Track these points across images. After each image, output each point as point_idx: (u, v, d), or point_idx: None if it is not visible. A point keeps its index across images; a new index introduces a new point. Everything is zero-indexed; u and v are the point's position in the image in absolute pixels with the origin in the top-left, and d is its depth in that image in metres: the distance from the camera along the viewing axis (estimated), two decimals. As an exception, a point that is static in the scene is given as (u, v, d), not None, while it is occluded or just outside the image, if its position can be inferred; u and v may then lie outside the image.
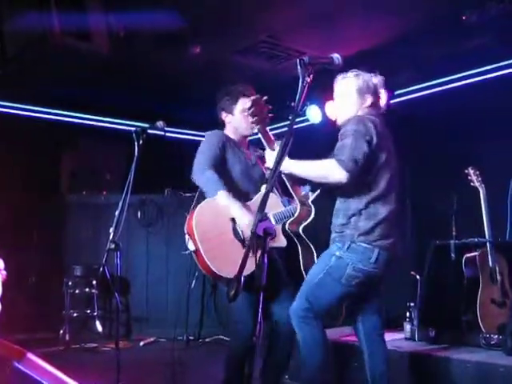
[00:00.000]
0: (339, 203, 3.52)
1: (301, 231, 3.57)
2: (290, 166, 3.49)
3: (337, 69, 3.01)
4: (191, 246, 3.67)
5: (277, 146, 3.62)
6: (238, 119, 4.01)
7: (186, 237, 3.71)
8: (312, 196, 3.67)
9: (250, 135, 4.10)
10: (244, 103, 3.95)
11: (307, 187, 3.71)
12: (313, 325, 3.43)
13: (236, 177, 3.91)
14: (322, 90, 3.96)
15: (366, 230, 3.37)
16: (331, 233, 3.55)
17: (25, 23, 4.88)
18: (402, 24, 5.76)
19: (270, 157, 3.58)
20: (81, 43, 5.07)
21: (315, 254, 3.62)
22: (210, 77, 7.02)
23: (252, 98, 3.61)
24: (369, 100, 3.60)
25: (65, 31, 4.87)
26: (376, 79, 3.68)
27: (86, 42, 5.06)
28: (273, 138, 3.69)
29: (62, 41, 4.94)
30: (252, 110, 3.56)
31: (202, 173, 3.76)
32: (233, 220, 3.70)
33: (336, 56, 2.90)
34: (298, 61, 2.72)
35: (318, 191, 3.64)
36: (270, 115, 3.71)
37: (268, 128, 3.71)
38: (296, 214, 3.66)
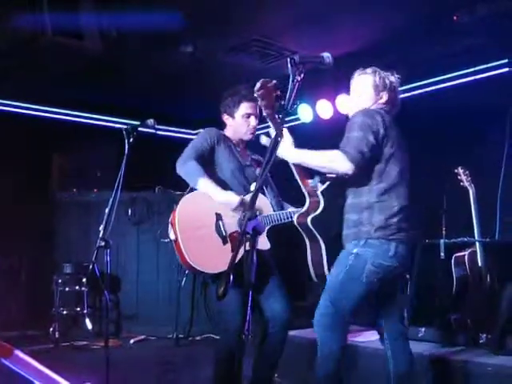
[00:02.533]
0: (350, 198, 3.46)
1: (309, 223, 3.48)
2: (295, 155, 3.44)
3: (327, 68, 3.02)
4: (171, 235, 3.69)
5: (288, 137, 3.51)
6: (238, 123, 3.99)
7: (169, 225, 3.72)
8: (321, 187, 3.56)
9: (249, 140, 4.09)
10: (246, 108, 3.95)
11: (316, 179, 3.65)
12: (335, 335, 3.36)
13: (226, 175, 3.90)
14: (313, 89, 3.95)
15: (381, 225, 3.31)
16: (344, 229, 3.48)
17: (17, 22, 4.87)
18: (393, 24, 5.77)
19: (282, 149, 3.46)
20: (72, 42, 5.07)
21: (323, 248, 3.46)
22: (201, 75, 7.03)
23: (261, 80, 3.48)
24: (384, 97, 3.56)
25: (57, 31, 4.87)
26: (393, 78, 3.65)
27: (77, 40, 5.05)
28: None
29: (53, 40, 4.94)
30: (260, 92, 3.47)
31: (184, 163, 3.78)
32: (217, 215, 3.71)
33: (327, 55, 2.91)
34: (288, 60, 2.73)
35: (328, 182, 3.54)
36: (280, 102, 3.49)
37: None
38: (294, 218, 3.60)
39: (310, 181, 3.61)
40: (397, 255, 3.32)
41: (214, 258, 3.59)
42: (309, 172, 3.57)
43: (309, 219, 3.42)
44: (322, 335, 3.40)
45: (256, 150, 4.10)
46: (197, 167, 3.74)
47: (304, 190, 3.57)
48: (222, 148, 3.94)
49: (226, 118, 4.04)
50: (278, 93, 3.49)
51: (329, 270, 3.47)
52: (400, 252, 3.33)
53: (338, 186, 3.52)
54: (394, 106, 3.64)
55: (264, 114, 3.52)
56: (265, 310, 3.85)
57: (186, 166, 3.77)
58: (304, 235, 3.50)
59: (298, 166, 3.52)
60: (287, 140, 3.46)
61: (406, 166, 3.48)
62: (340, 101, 7.31)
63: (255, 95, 3.47)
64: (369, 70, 3.61)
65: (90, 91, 7.57)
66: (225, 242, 3.67)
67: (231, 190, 3.82)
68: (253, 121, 3.98)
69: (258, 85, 3.45)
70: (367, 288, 3.36)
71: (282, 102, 2.72)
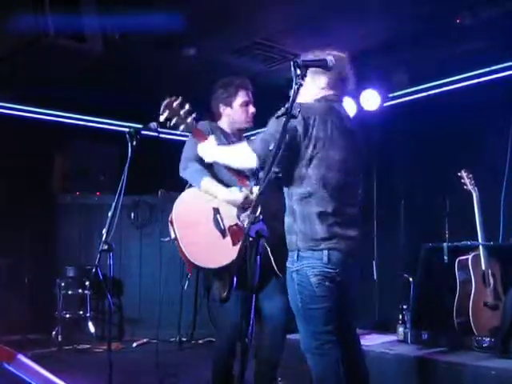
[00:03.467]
0: (284, 201, 3.32)
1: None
2: (208, 151, 3.52)
3: (330, 70, 3.01)
4: (172, 234, 3.70)
5: (211, 138, 3.64)
6: (236, 112, 4.01)
7: (169, 224, 3.74)
8: (256, 189, 3.58)
9: (246, 130, 4.10)
10: (243, 96, 3.99)
11: (252, 181, 3.69)
12: (326, 356, 3.23)
13: (221, 169, 3.89)
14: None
15: (304, 235, 3.17)
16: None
17: (19, 25, 4.87)
18: (395, 26, 5.77)
19: (201, 148, 3.60)
20: (75, 44, 5.06)
21: (268, 248, 3.51)
22: (204, 78, 7.01)
23: (164, 102, 3.62)
24: (322, 79, 3.28)
25: (59, 33, 4.87)
26: (330, 56, 3.04)
27: (79, 43, 5.05)
28: (202, 134, 3.70)
29: (55, 42, 4.94)
30: (165, 114, 3.55)
31: (186, 167, 3.84)
32: (215, 210, 3.71)
33: (330, 58, 2.90)
34: (291, 63, 2.72)
35: (263, 184, 3.51)
36: (192, 115, 3.69)
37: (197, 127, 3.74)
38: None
39: (247, 182, 3.69)
40: (332, 262, 3.14)
41: (214, 252, 3.59)
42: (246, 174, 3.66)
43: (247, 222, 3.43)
44: (311, 360, 3.27)
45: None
46: (198, 168, 3.78)
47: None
48: (217, 137, 3.93)
49: (223, 108, 4.05)
50: (187, 107, 3.66)
51: (277, 267, 3.52)
52: (334, 259, 3.15)
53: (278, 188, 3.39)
54: (338, 89, 3.34)
55: (180, 130, 3.66)
56: (263, 311, 3.84)
57: (188, 170, 3.83)
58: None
59: (231, 168, 3.56)
60: (210, 141, 3.57)
61: (338, 169, 3.20)
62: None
63: (161, 119, 3.61)
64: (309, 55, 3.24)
65: (93, 93, 7.57)
66: (224, 236, 3.67)
67: (225, 180, 3.82)
68: (251, 108, 4.03)
69: (162, 108, 3.58)
70: (327, 297, 3.19)
71: (286, 106, 2.71)
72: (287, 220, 3.28)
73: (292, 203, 3.23)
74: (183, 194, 3.83)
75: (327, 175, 3.17)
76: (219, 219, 3.70)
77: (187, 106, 3.66)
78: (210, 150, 3.53)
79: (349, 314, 3.47)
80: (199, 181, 3.75)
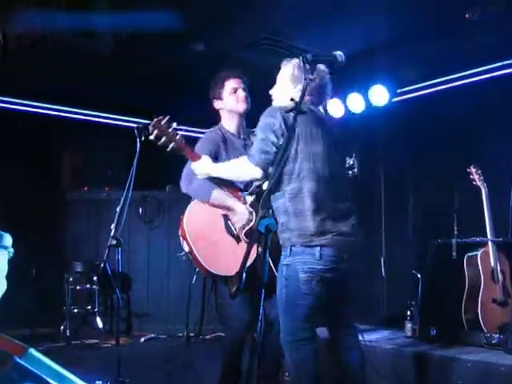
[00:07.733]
0: (273, 203, 3.34)
1: (243, 237, 3.61)
2: (208, 169, 3.49)
3: (340, 66, 3.01)
4: (186, 248, 3.70)
5: (205, 157, 3.58)
6: (227, 101, 4.04)
7: (181, 239, 3.73)
8: (250, 199, 3.64)
9: (247, 112, 4.09)
10: (230, 84, 4.04)
11: (245, 192, 3.70)
12: (300, 352, 3.26)
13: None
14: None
15: (298, 232, 3.20)
16: None
17: (30, 22, 4.89)
18: (405, 21, 5.75)
19: (197, 166, 3.54)
20: (84, 41, 5.08)
21: (267, 255, 3.37)
22: (212, 73, 7.02)
23: (152, 122, 3.48)
24: (299, 86, 3.26)
25: (68, 30, 4.89)
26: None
27: (88, 39, 5.07)
28: (192, 151, 3.63)
29: (65, 38, 4.96)
30: (155, 133, 3.45)
31: (189, 182, 3.79)
32: (224, 217, 3.71)
33: (339, 53, 2.90)
34: (301, 58, 2.71)
35: (254, 194, 3.60)
36: (178, 133, 3.56)
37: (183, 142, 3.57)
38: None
39: (239, 193, 3.68)
40: (323, 258, 3.17)
41: (232, 259, 3.56)
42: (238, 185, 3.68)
43: (242, 233, 3.56)
44: (287, 354, 3.32)
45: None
46: (204, 183, 3.70)
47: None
48: (224, 150, 3.93)
49: (216, 103, 4.10)
50: (174, 125, 3.54)
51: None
52: (326, 255, 3.18)
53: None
54: (315, 96, 3.42)
55: (169, 149, 3.51)
56: (270, 315, 3.84)
57: (191, 185, 3.78)
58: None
59: (223, 182, 3.59)
60: (204, 159, 3.54)
61: (323, 160, 3.29)
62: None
63: (150, 138, 3.47)
64: (293, 60, 3.42)
65: (101, 90, 7.58)
66: (238, 241, 3.67)
67: (236, 186, 3.80)
68: (240, 92, 4.05)
69: (150, 128, 3.47)
70: (312, 296, 3.21)
71: (296, 100, 2.71)
72: (282, 219, 3.28)
73: (285, 201, 3.25)
74: (190, 206, 3.80)
75: (315, 167, 3.24)
76: (231, 225, 3.70)
77: (174, 125, 3.53)
78: (207, 167, 3.51)
79: (346, 313, 3.48)
80: (210, 192, 3.69)
